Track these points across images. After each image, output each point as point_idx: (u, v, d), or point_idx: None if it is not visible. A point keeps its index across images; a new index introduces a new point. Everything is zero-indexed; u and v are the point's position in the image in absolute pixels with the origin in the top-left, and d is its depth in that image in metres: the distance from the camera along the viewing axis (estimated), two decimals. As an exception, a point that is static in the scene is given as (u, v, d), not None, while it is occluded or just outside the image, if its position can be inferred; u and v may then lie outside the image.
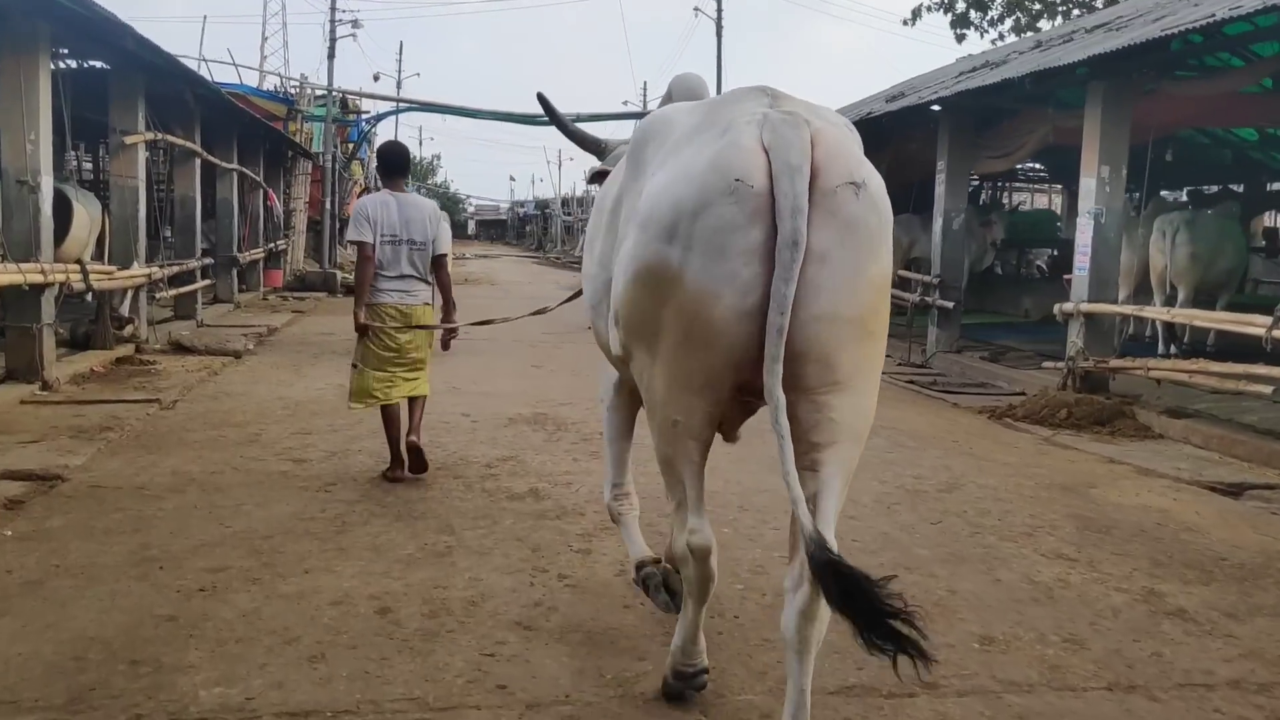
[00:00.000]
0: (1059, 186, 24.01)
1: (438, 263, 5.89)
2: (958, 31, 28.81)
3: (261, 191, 19.22)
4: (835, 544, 2.55)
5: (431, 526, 5.06)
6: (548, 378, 10.17)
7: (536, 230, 69.31)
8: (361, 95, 25.86)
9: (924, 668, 2.39)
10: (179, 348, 11.26)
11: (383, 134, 31.07)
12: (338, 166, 25.01)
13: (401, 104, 23.95)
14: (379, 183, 6.58)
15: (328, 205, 23.35)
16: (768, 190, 2.57)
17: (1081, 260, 9.60)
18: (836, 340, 2.64)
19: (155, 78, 11.47)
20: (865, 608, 2.37)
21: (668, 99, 3.81)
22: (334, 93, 23.88)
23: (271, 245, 20.01)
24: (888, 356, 10.26)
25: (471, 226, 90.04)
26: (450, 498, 5.61)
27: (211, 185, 16.21)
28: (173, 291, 12.49)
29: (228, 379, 9.68)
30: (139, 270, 11.03)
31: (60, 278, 8.78)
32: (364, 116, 29.03)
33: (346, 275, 24.09)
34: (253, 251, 18.37)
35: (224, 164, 15.88)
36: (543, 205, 76.00)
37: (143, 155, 11.35)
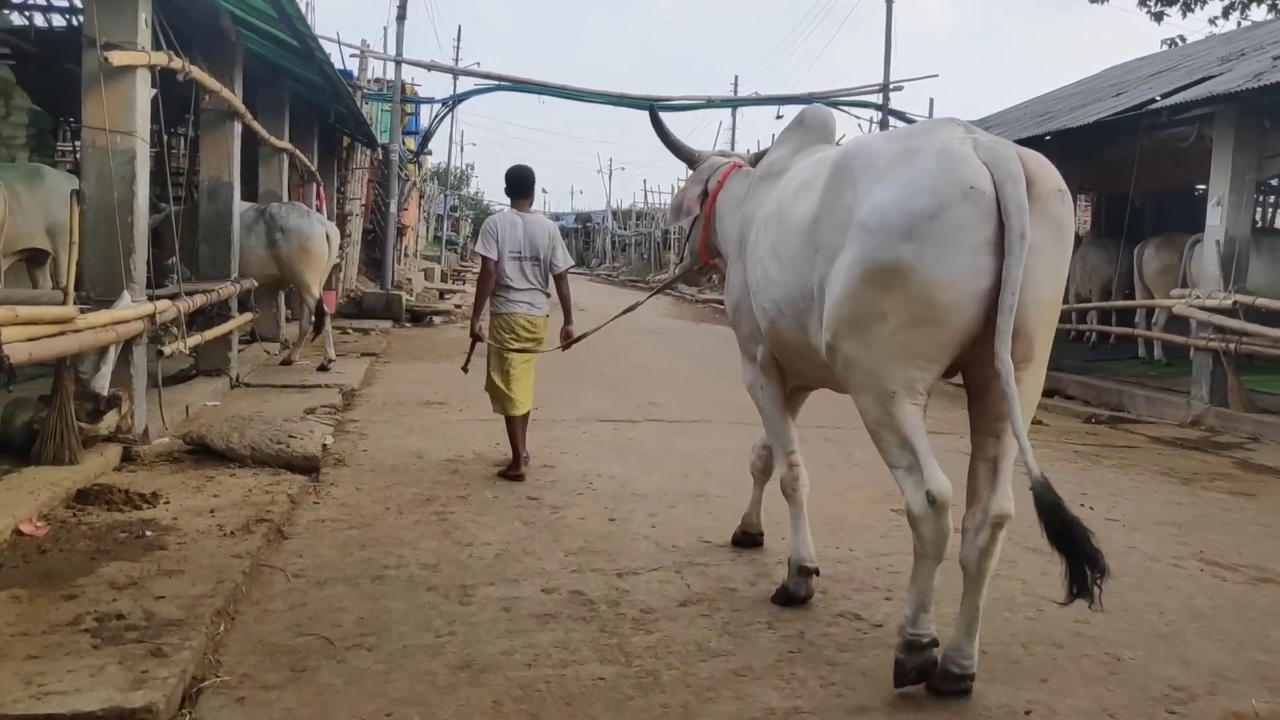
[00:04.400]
0: None
1: (559, 278, 6.38)
2: (1154, 10, 23.60)
3: (315, 187, 14.07)
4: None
5: None
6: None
7: (577, 245, 64.86)
8: (456, 72, 20.44)
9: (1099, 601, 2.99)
10: (202, 448, 6.07)
11: (439, 129, 26.05)
12: (402, 161, 19.79)
13: (491, 81, 18.54)
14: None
15: (391, 209, 18.13)
16: (994, 196, 3.05)
17: None
18: (1041, 321, 3.17)
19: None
20: (1078, 549, 2.98)
21: (798, 125, 4.40)
22: (407, 66, 18.52)
23: (326, 259, 14.81)
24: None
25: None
26: None
27: (249, 171, 11.01)
28: (194, 339, 7.26)
29: (312, 555, 4.46)
30: (130, 308, 5.82)
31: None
32: (420, 102, 23.86)
33: (410, 299, 19.02)
34: (305, 268, 13.13)
35: (274, 140, 10.67)
36: (584, 218, 71.50)
37: (145, 94, 6.13)
